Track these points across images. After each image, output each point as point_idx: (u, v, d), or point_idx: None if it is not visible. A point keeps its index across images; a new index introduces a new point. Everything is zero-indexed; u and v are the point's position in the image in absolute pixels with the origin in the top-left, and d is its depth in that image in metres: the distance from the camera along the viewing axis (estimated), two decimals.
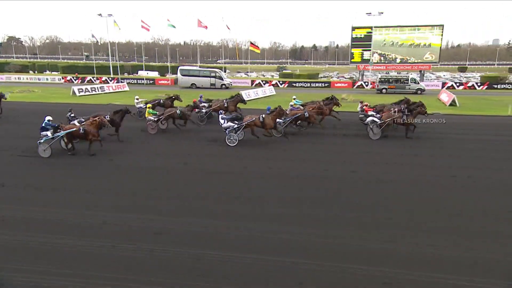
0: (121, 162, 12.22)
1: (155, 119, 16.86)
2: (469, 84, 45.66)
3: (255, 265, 6.02)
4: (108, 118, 15.02)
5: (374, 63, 49.40)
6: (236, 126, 14.80)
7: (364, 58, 49.51)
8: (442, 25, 47.33)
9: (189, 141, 15.39)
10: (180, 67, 47.53)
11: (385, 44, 48.79)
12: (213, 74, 43.88)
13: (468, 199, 8.96)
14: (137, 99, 19.99)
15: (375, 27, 48.62)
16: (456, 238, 6.95)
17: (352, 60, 50.38)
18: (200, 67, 52.43)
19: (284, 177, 10.61)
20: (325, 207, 8.48)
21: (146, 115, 17.09)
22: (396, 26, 48.57)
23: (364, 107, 18.28)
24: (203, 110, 19.17)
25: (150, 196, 9.15)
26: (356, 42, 49.28)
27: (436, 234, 7.10)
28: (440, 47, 48.29)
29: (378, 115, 16.52)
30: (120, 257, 6.29)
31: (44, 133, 12.92)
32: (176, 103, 20.82)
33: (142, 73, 61.88)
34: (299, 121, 17.32)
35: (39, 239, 6.87)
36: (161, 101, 20.04)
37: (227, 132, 14.77)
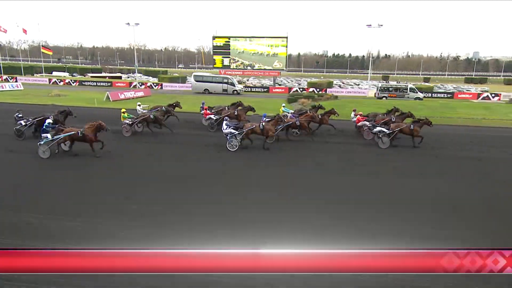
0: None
1: (130, 122, 17.16)
2: (294, 89, 49.77)
3: None
4: (52, 119, 15.45)
5: (233, 68, 54.08)
6: (237, 132, 14.97)
7: (224, 64, 54.13)
8: (286, 37, 51.82)
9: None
10: (194, 73, 48.58)
11: (239, 52, 53.33)
12: (225, 80, 44.67)
13: None
14: (139, 105, 19.68)
15: (232, 37, 53.28)
16: None
17: (214, 65, 54.93)
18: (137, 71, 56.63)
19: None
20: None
21: (121, 119, 17.23)
22: (249, 36, 53.08)
23: (358, 116, 18.40)
24: (213, 117, 19.16)
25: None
26: (217, 49, 53.81)
27: None
28: (286, 56, 52.84)
29: (386, 126, 16.73)
30: None
31: (44, 135, 13.02)
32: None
33: (55, 74, 67.05)
34: (294, 129, 17.69)
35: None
36: (163, 107, 19.62)
37: (228, 138, 14.85)
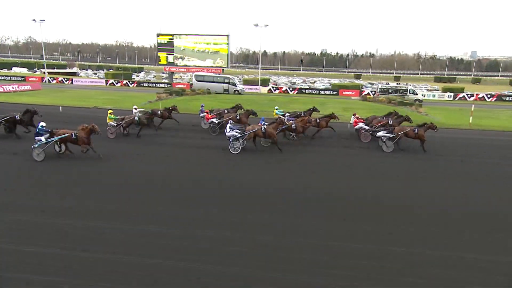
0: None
1: (115, 124, 17.17)
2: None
3: None
4: (18, 118, 15.75)
5: (177, 65, 54.48)
6: (239, 135, 15.00)
7: (169, 61, 54.51)
8: (227, 35, 52.06)
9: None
10: (195, 73, 47.85)
11: (182, 49, 53.71)
12: (226, 80, 44.60)
13: None
14: (135, 108, 19.36)
15: (175, 34, 53.61)
16: None
17: (160, 62, 55.30)
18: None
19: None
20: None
21: (107, 121, 17.16)
22: (191, 34, 53.40)
23: (355, 119, 18.34)
24: (216, 121, 18.91)
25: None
26: (161, 47, 54.08)
27: None
28: (228, 54, 53.06)
29: (383, 128, 16.84)
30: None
31: (38, 138, 13.00)
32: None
33: (15, 69, 67.68)
34: (292, 132, 17.52)
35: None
36: (159, 111, 19.82)
37: (230, 140, 14.91)
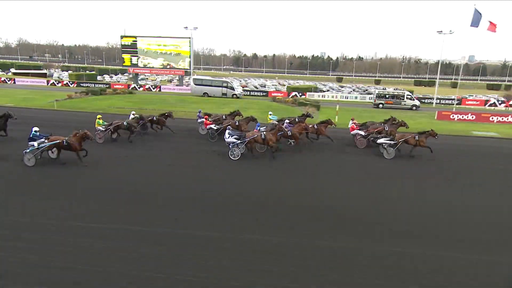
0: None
1: (104, 129, 17.26)
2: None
3: None
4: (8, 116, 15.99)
5: (141, 67, 54.94)
6: (239, 141, 15.10)
7: (132, 62, 54.95)
8: (190, 38, 52.58)
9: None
10: (193, 77, 48.40)
11: (146, 51, 54.17)
12: (224, 84, 44.49)
13: None
14: (133, 114, 19.35)
15: (138, 36, 54.06)
16: None
17: (124, 64, 55.75)
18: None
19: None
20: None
21: (95, 125, 17.25)
22: (155, 36, 53.87)
23: (352, 124, 18.20)
24: (214, 127, 18.62)
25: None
26: (125, 49, 54.44)
27: None
28: (189, 56, 53.50)
29: (380, 135, 16.93)
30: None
31: (31, 143, 13.06)
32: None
33: None
34: (289, 139, 17.39)
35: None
36: (155, 117, 19.80)
37: (230, 146, 15.02)
